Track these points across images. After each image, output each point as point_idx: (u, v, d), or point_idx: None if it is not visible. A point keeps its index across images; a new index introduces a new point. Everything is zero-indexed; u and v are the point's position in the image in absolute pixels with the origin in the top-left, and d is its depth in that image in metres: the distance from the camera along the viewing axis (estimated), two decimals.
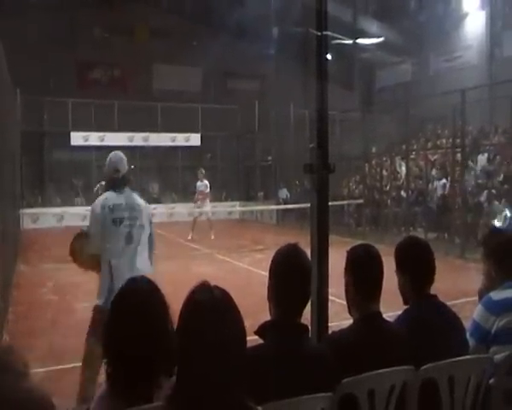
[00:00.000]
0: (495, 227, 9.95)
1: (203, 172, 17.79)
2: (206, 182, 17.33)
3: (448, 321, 2.85)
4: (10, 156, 10.81)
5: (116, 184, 4.27)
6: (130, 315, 2.00)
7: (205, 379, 1.61)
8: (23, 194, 20.17)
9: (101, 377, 2.08)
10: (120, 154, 4.46)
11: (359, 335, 2.54)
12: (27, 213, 19.31)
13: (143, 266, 4.14)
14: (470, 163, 15.21)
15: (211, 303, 1.68)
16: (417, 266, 2.90)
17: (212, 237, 16.50)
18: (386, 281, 2.66)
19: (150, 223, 4.36)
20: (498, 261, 3.18)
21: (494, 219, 12.90)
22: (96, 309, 4.10)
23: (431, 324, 2.76)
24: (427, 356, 2.53)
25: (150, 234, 4.33)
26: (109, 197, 4.22)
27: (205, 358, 1.61)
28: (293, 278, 2.33)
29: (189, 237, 16.40)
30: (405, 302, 2.95)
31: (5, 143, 8.81)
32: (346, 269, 2.70)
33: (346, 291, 2.69)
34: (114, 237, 4.15)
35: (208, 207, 17.43)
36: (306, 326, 2.39)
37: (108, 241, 4.16)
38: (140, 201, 4.34)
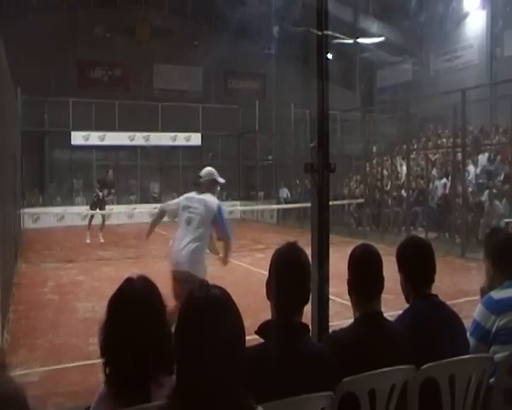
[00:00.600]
0: (494, 227, 9.95)
1: None
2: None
3: (448, 321, 2.85)
4: (11, 156, 10.82)
5: (198, 187, 5.99)
6: (127, 315, 2.00)
7: (203, 378, 1.61)
8: (24, 193, 20.19)
9: (101, 376, 2.08)
10: (209, 169, 6.11)
11: (360, 334, 2.54)
12: (28, 213, 19.32)
13: (196, 252, 5.70)
14: (469, 166, 15.17)
15: (208, 301, 1.68)
16: (418, 265, 2.90)
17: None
18: (386, 281, 2.66)
19: (215, 218, 5.69)
20: (498, 261, 3.18)
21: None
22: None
23: (431, 323, 2.76)
24: (427, 356, 2.52)
25: (220, 227, 5.76)
26: (189, 194, 5.99)
27: (203, 356, 1.61)
28: (292, 276, 2.33)
29: None
30: (407, 301, 2.95)
31: (6, 143, 8.81)
32: (347, 269, 2.71)
33: (348, 290, 2.70)
34: (180, 219, 5.85)
35: None
36: (307, 325, 2.39)
37: (178, 221, 5.95)
38: (209, 199, 5.80)
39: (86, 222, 16.63)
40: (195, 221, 5.70)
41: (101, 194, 16.25)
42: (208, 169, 6.10)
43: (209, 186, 5.94)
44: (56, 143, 23.71)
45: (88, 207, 18.54)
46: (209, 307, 1.67)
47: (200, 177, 6.01)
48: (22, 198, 19.18)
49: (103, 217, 16.25)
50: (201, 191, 5.88)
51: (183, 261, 5.64)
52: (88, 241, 15.32)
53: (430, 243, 3.03)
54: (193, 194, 5.93)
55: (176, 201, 6.24)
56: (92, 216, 16.27)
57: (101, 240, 15.54)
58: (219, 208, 5.74)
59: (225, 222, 5.84)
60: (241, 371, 1.67)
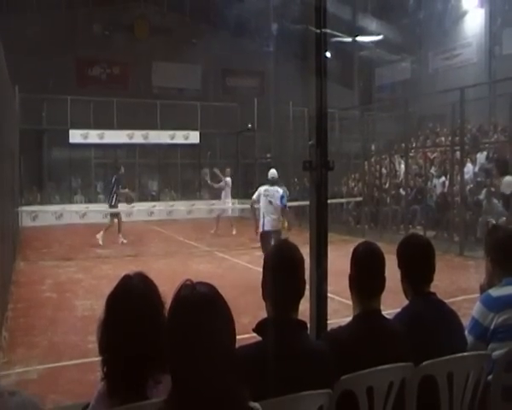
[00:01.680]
0: (495, 224, 9.95)
1: (228, 170, 18.43)
2: (229, 179, 17.73)
3: (446, 318, 2.86)
4: (9, 154, 10.81)
5: (270, 182, 9.86)
6: (126, 313, 2.00)
7: (195, 378, 1.61)
8: (22, 192, 20.16)
9: (99, 374, 2.08)
10: (273, 170, 10.08)
11: (358, 332, 2.54)
12: (26, 211, 19.27)
13: (273, 218, 9.63)
14: (467, 164, 15.16)
15: (194, 300, 1.67)
16: (417, 263, 2.90)
17: (234, 232, 16.92)
18: (386, 279, 2.66)
19: (282, 198, 9.63)
20: (497, 258, 3.18)
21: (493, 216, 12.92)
22: (259, 234, 9.87)
23: (429, 321, 2.76)
24: (425, 353, 2.53)
25: (284, 205, 9.71)
26: (265, 186, 9.87)
27: (193, 356, 1.61)
28: (285, 272, 2.32)
29: (212, 232, 16.88)
30: (407, 297, 2.96)
31: (4, 141, 8.81)
32: (350, 266, 2.72)
33: (350, 288, 2.70)
34: (264, 200, 9.66)
35: (230, 203, 18.32)
36: (305, 323, 2.39)
37: (262, 202, 9.74)
38: (278, 189, 9.84)
39: (87, 221, 16.38)
40: (273, 202, 9.59)
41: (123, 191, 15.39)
42: (272, 171, 9.99)
43: (275, 181, 9.94)
44: (55, 141, 23.66)
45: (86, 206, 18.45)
46: (195, 305, 1.66)
47: (270, 177, 9.90)
48: (20, 196, 19.16)
49: (119, 217, 15.37)
50: (272, 184, 9.83)
51: (272, 225, 9.62)
52: (101, 242, 14.48)
53: (430, 242, 3.03)
54: (267, 186, 9.83)
55: (257, 192, 9.94)
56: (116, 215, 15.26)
57: (124, 240, 15.06)
58: (283, 193, 9.85)
59: (285, 201, 9.83)
60: (234, 367, 1.66)
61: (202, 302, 1.67)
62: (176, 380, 1.66)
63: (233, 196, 25.23)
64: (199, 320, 1.64)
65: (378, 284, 2.64)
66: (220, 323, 1.66)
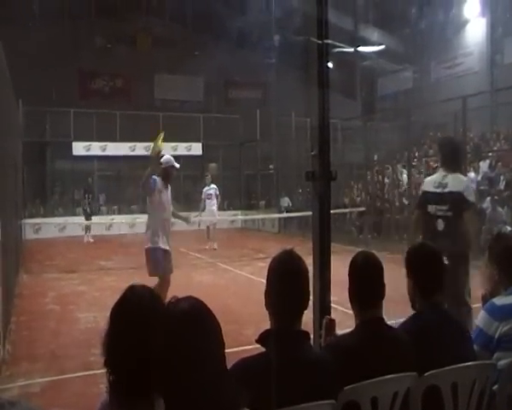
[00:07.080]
0: (500, 232, 9.91)
1: (209, 176, 17.88)
2: (214, 186, 17.27)
3: (456, 330, 2.83)
4: (12, 166, 10.83)
5: None
6: (132, 324, 2.00)
7: (185, 393, 1.61)
8: (25, 204, 20.18)
9: (102, 386, 2.07)
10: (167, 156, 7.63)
11: (360, 340, 2.53)
12: (29, 223, 19.28)
13: None
14: (470, 173, 15.15)
15: (176, 316, 1.70)
16: (427, 273, 2.87)
17: (215, 247, 16.26)
18: (388, 289, 2.65)
19: None
20: (502, 267, 3.16)
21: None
22: None
23: (439, 331, 2.73)
24: (432, 364, 2.51)
25: None
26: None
27: (179, 369, 1.62)
28: (289, 283, 2.32)
29: (207, 247, 16.27)
30: (413, 306, 2.93)
31: (7, 154, 8.83)
32: (348, 276, 2.70)
33: (349, 298, 2.69)
34: None
35: (216, 214, 17.23)
36: (307, 333, 2.38)
37: None
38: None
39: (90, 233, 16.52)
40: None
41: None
42: (167, 157, 7.53)
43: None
44: (58, 153, 23.76)
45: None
46: (177, 322, 1.70)
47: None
48: (24, 208, 19.17)
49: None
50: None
51: None
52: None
53: (441, 252, 3.00)
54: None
55: None
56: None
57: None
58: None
59: None
60: (226, 377, 1.68)
61: (185, 319, 1.69)
62: (167, 397, 1.67)
63: (235, 208, 25.33)
64: (182, 336, 1.66)
65: (378, 292, 2.63)
66: (205, 336, 1.68)
